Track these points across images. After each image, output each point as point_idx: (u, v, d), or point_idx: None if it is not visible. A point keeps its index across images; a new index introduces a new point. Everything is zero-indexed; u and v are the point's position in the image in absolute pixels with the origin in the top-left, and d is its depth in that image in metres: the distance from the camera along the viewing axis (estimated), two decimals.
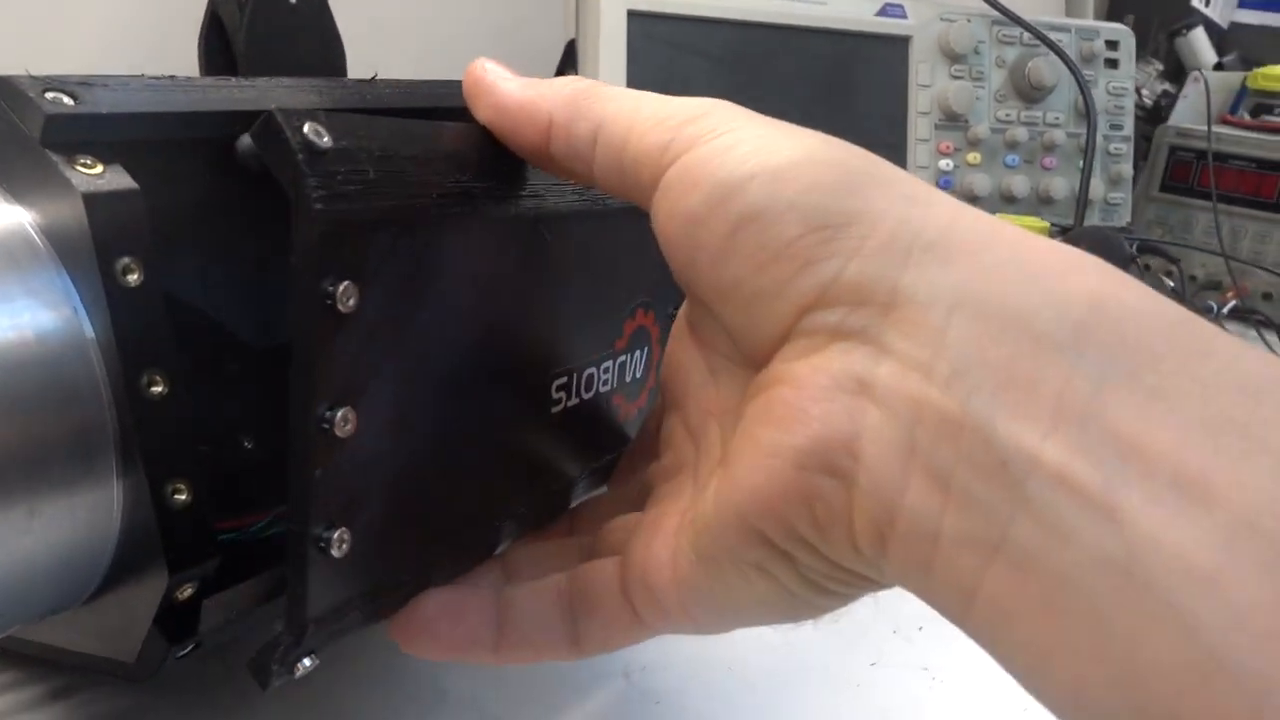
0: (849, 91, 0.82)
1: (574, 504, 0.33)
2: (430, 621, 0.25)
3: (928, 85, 0.82)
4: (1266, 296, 0.93)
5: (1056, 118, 0.85)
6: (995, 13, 0.82)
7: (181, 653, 0.27)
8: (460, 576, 0.27)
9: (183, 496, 0.26)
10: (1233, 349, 0.17)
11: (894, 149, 0.83)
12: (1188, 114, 1.05)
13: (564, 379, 0.30)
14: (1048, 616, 0.17)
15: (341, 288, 0.20)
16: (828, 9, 0.79)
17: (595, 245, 0.31)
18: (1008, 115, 0.84)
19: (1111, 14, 1.13)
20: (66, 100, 0.25)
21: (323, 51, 0.62)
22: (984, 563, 0.17)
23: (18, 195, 0.26)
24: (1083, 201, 0.80)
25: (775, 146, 0.21)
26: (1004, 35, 0.83)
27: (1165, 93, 1.17)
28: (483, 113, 0.26)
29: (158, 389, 0.26)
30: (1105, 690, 0.16)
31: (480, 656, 0.26)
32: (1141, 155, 0.99)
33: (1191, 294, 0.84)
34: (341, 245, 0.20)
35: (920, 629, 0.42)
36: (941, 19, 0.82)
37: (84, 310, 0.25)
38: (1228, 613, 0.15)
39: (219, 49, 0.59)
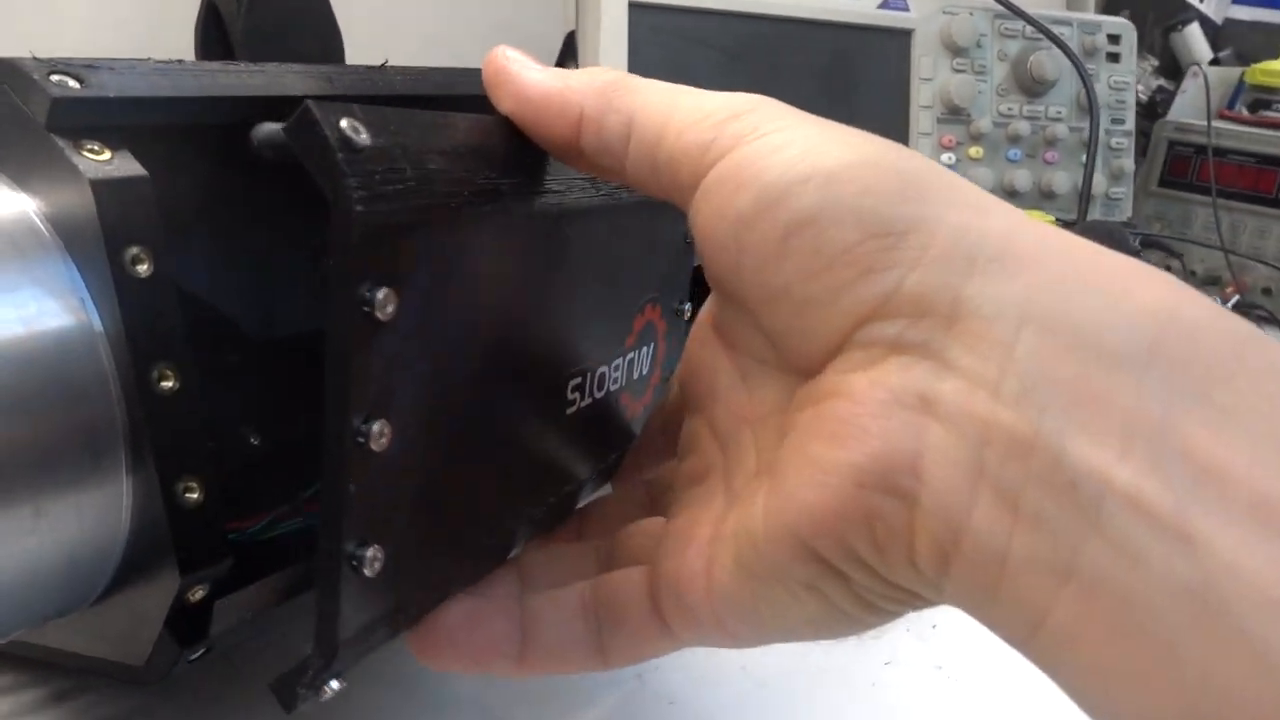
0: (851, 84, 0.81)
1: (580, 504, 0.33)
2: (452, 633, 0.24)
3: (930, 79, 0.81)
4: (1266, 291, 0.93)
5: (1058, 112, 0.84)
6: (998, 6, 0.81)
7: (193, 656, 0.27)
8: (476, 583, 0.27)
9: (194, 495, 0.25)
10: None
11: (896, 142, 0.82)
12: (1186, 109, 1.05)
13: (579, 379, 0.29)
14: (1118, 643, 0.16)
15: (381, 294, 0.18)
16: (830, 1, 0.78)
17: (610, 240, 0.30)
18: (1010, 109, 0.83)
19: (1108, 9, 1.13)
20: (72, 83, 0.24)
21: (321, 41, 0.61)
22: (1054, 586, 0.17)
23: (21, 182, 0.25)
24: (1086, 196, 0.80)
25: (828, 148, 0.20)
26: (1006, 29, 0.83)
27: (1160, 88, 1.17)
28: (506, 103, 0.25)
29: (168, 383, 0.25)
30: None
31: (504, 668, 0.25)
32: (1139, 150, 0.99)
33: None
34: (381, 249, 0.19)
35: (934, 627, 0.42)
36: (944, 12, 0.81)
37: (92, 302, 0.24)
38: None
39: (216, 39, 0.58)
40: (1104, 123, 0.83)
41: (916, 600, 0.21)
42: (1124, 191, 0.88)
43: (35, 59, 0.24)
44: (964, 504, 0.18)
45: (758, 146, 0.20)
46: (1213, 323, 0.18)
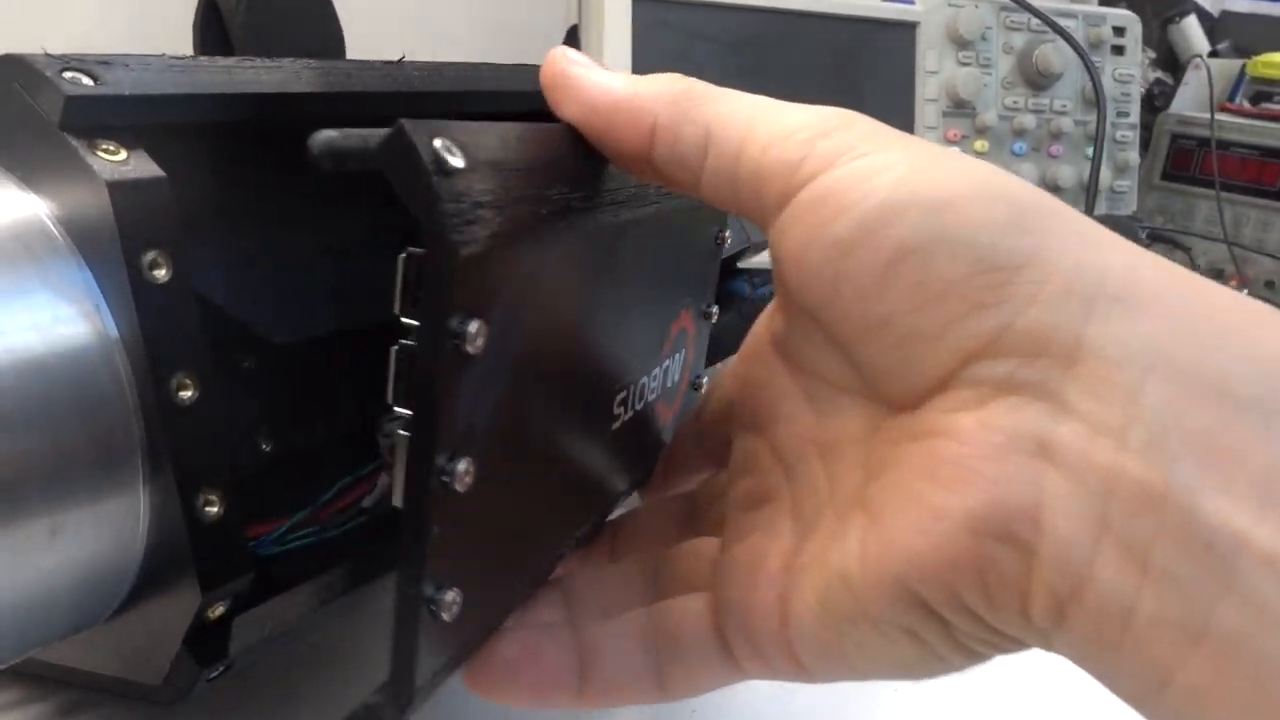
0: (856, 78, 0.80)
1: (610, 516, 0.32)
2: (511, 667, 0.23)
3: (935, 72, 0.81)
4: (1269, 284, 0.93)
5: (1064, 105, 0.84)
6: None
7: (212, 675, 0.26)
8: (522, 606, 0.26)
9: (215, 508, 0.24)
10: None
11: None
12: (1188, 102, 1.05)
13: (624, 393, 0.28)
14: (1254, 708, 0.16)
15: (472, 327, 0.17)
16: None
17: (654, 248, 0.29)
18: (1015, 102, 0.83)
19: (1107, 1, 1.12)
20: (86, 80, 0.23)
21: (321, 37, 0.59)
22: (1184, 646, 0.16)
23: (33, 184, 0.24)
24: (1093, 190, 0.79)
25: (934, 172, 0.19)
26: (1012, 21, 0.82)
27: (1159, 81, 1.17)
28: (571, 110, 0.23)
29: (187, 393, 0.24)
30: None
31: (563, 701, 0.24)
32: (1140, 144, 0.99)
33: None
34: (473, 280, 0.18)
35: None
36: (949, 4, 0.80)
37: (107, 308, 0.23)
38: None
39: (215, 35, 0.57)
40: (1109, 116, 0.82)
41: (1015, 645, 0.20)
42: (1129, 185, 0.87)
43: (47, 55, 0.23)
44: (1086, 557, 0.17)
45: (856, 167, 0.19)
46: None
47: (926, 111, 0.81)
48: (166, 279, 0.23)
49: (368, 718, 0.19)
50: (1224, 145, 0.95)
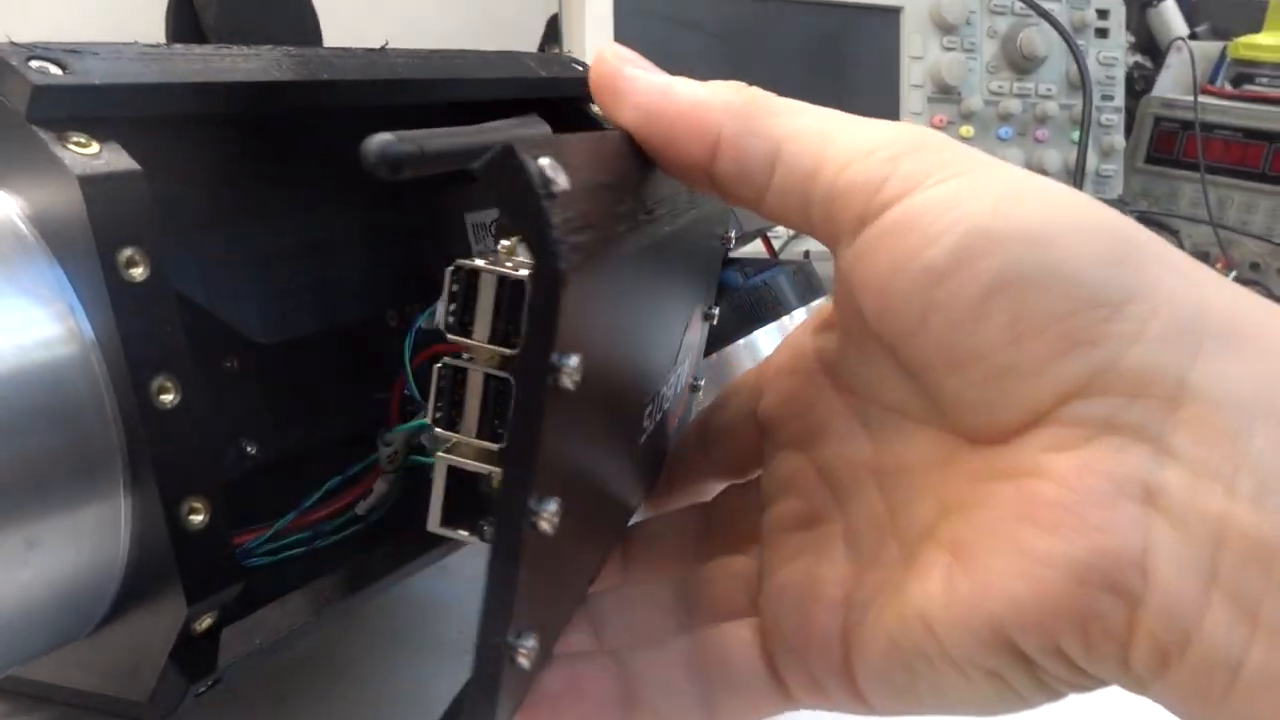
0: (841, 65, 0.79)
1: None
2: (554, 701, 0.22)
3: (920, 57, 0.80)
4: (1254, 266, 0.93)
5: (1049, 89, 0.83)
6: None
7: (200, 690, 0.25)
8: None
9: (199, 516, 0.23)
10: None
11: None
12: (1169, 85, 1.05)
13: (651, 404, 0.27)
14: None
15: (573, 361, 0.16)
16: None
17: (683, 256, 0.28)
18: (1000, 87, 0.82)
19: None
20: (54, 70, 0.22)
21: (297, 27, 0.58)
22: None
23: (0, 179, 0.23)
24: (1080, 174, 0.79)
25: (1032, 201, 0.18)
26: (996, 5, 0.81)
27: (1138, 65, 1.17)
28: (626, 115, 0.22)
29: (169, 397, 0.23)
30: None
31: None
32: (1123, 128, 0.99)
33: None
34: (575, 310, 0.17)
35: None
36: None
37: (83, 309, 0.22)
38: None
39: (187, 26, 0.56)
40: (1094, 99, 0.82)
41: (1102, 685, 0.19)
42: (1115, 169, 0.87)
43: (12, 44, 0.22)
44: (1194, 608, 0.17)
45: (946, 192, 0.18)
46: None
47: (912, 97, 0.81)
48: (144, 277, 0.22)
49: None
50: (1207, 128, 0.95)
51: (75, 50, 0.23)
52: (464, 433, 0.19)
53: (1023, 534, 0.18)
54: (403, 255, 0.39)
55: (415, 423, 0.29)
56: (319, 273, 0.35)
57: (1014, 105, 0.82)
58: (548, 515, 0.17)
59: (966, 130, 0.82)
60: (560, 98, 0.37)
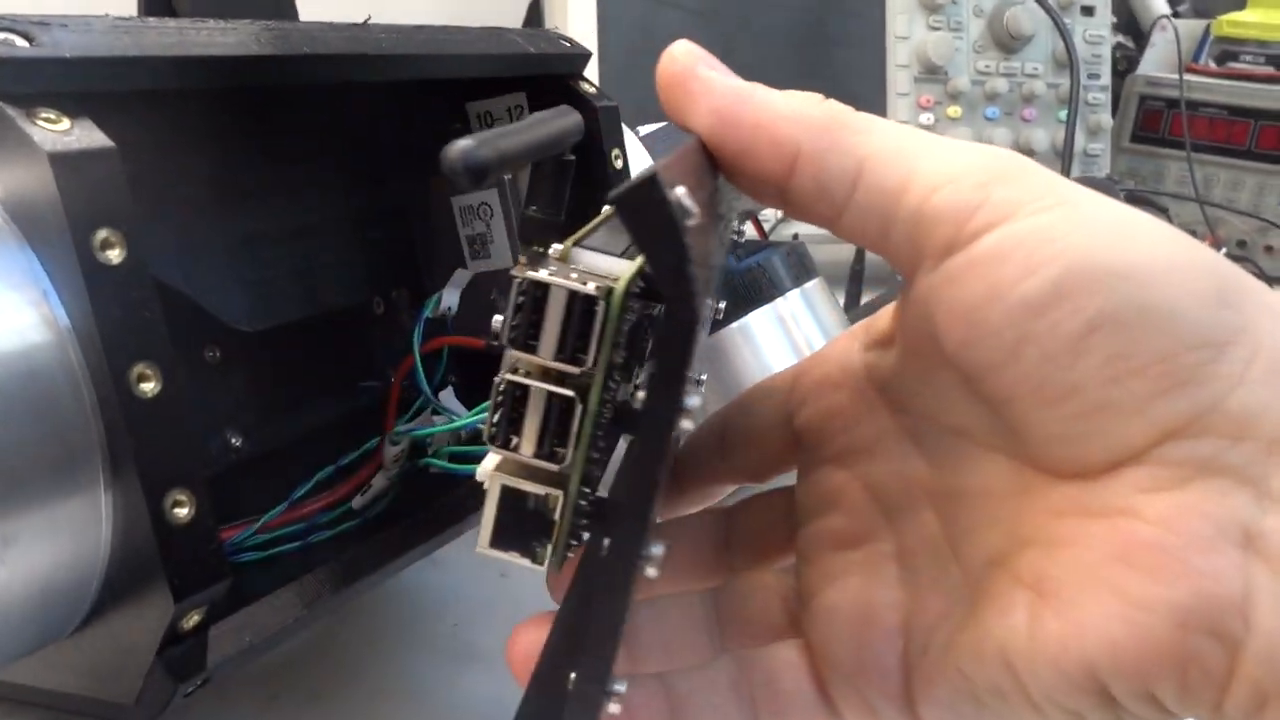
0: (826, 44, 0.79)
1: None
2: None
3: (906, 37, 0.79)
4: (1241, 244, 0.93)
5: (1035, 68, 0.83)
6: None
7: (189, 690, 0.24)
8: None
9: (184, 510, 0.22)
10: None
11: (873, 104, 0.80)
12: (1153, 63, 1.04)
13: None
14: None
15: (695, 400, 0.16)
16: None
17: (720, 261, 0.27)
18: (987, 66, 0.81)
19: None
20: (20, 42, 0.21)
21: (274, 3, 0.57)
22: None
23: None
24: (1069, 152, 0.78)
25: (1135, 237, 0.18)
26: None
27: (1120, 45, 1.17)
28: (699, 119, 0.21)
29: (149, 385, 0.22)
30: None
31: None
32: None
33: None
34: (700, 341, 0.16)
35: None
36: None
37: (56, 295, 0.21)
38: None
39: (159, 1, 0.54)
40: (1081, 78, 0.81)
41: None
42: (1102, 148, 0.87)
43: None
44: None
45: (1045, 222, 0.18)
46: None
47: (898, 78, 0.80)
48: (120, 260, 0.21)
49: None
50: (1192, 106, 0.95)
51: (43, 22, 0.22)
52: (521, 452, 0.18)
53: (1120, 576, 0.17)
54: (389, 239, 0.38)
55: (438, 427, 0.28)
56: (302, 257, 0.34)
57: (1001, 85, 0.82)
58: (657, 560, 0.16)
59: (954, 111, 0.81)
60: (549, 74, 0.36)
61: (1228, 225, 0.94)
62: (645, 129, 0.53)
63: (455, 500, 0.32)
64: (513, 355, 0.18)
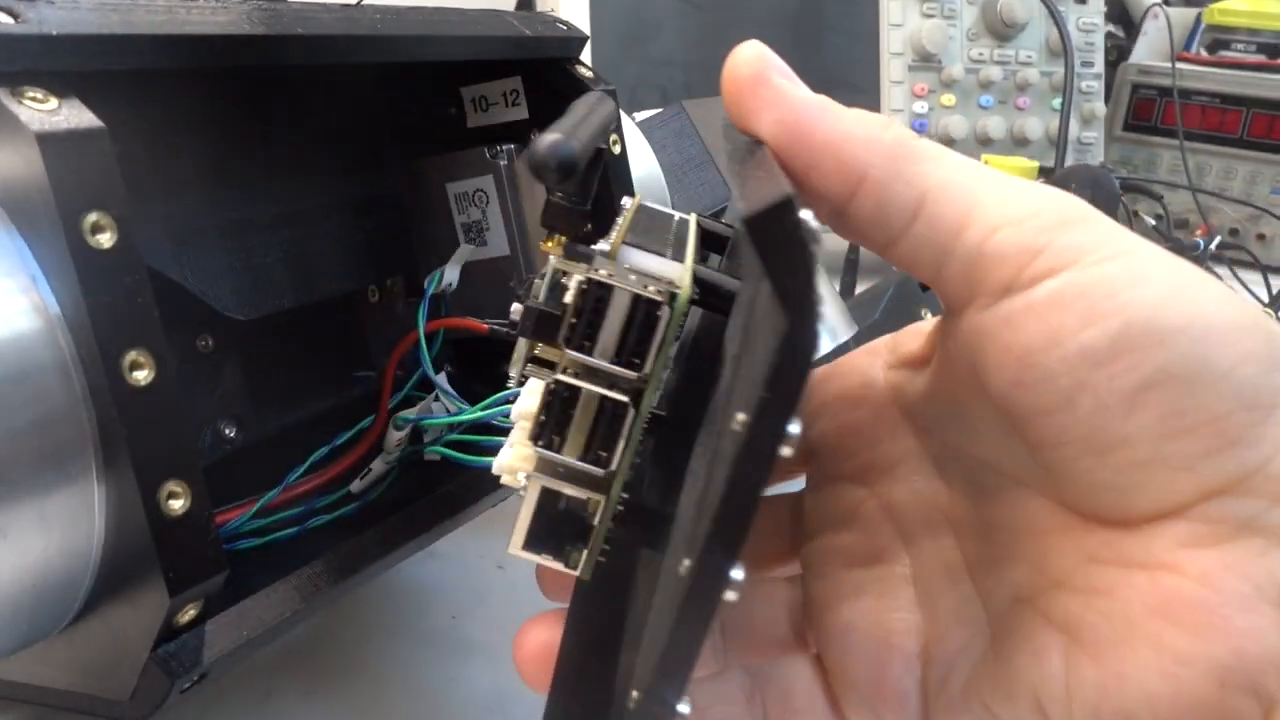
0: (820, 32, 0.78)
1: None
2: None
3: (900, 25, 0.79)
4: (1234, 232, 0.93)
5: (1029, 56, 0.83)
6: None
7: (185, 687, 0.23)
8: None
9: (180, 501, 0.22)
10: None
11: (868, 92, 0.80)
12: (1145, 52, 1.04)
13: None
14: None
15: (794, 429, 0.15)
16: None
17: None
18: (980, 54, 0.81)
19: None
20: (5, 19, 0.20)
21: None
22: None
23: None
24: (1063, 140, 0.78)
25: (1197, 294, 0.18)
26: None
27: (1110, 34, 1.17)
28: (766, 127, 0.20)
29: (142, 373, 0.21)
30: None
31: None
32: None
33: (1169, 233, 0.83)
34: None
35: None
36: None
37: (46, 281, 0.21)
38: None
39: None
40: (1075, 65, 0.81)
41: None
42: (1095, 136, 0.87)
43: None
44: None
45: (1110, 272, 0.18)
46: None
47: (892, 66, 0.80)
48: (111, 244, 0.20)
49: None
50: (1184, 94, 0.95)
51: None
52: (564, 454, 0.18)
53: (1160, 630, 0.18)
54: (383, 226, 0.38)
55: (447, 418, 0.27)
56: (295, 244, 0.33)
57: (995, 73, 0.81)
58: (739, 585, 0.15)
59: (948, 99, 0.81)
60: (546, 58, 0.36)
61: (1220, 214, 0.94)
62: (640, 115, 0.52)
63: (455, 490, 0.31)
64: (569, 356, 0.17)
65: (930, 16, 0.80)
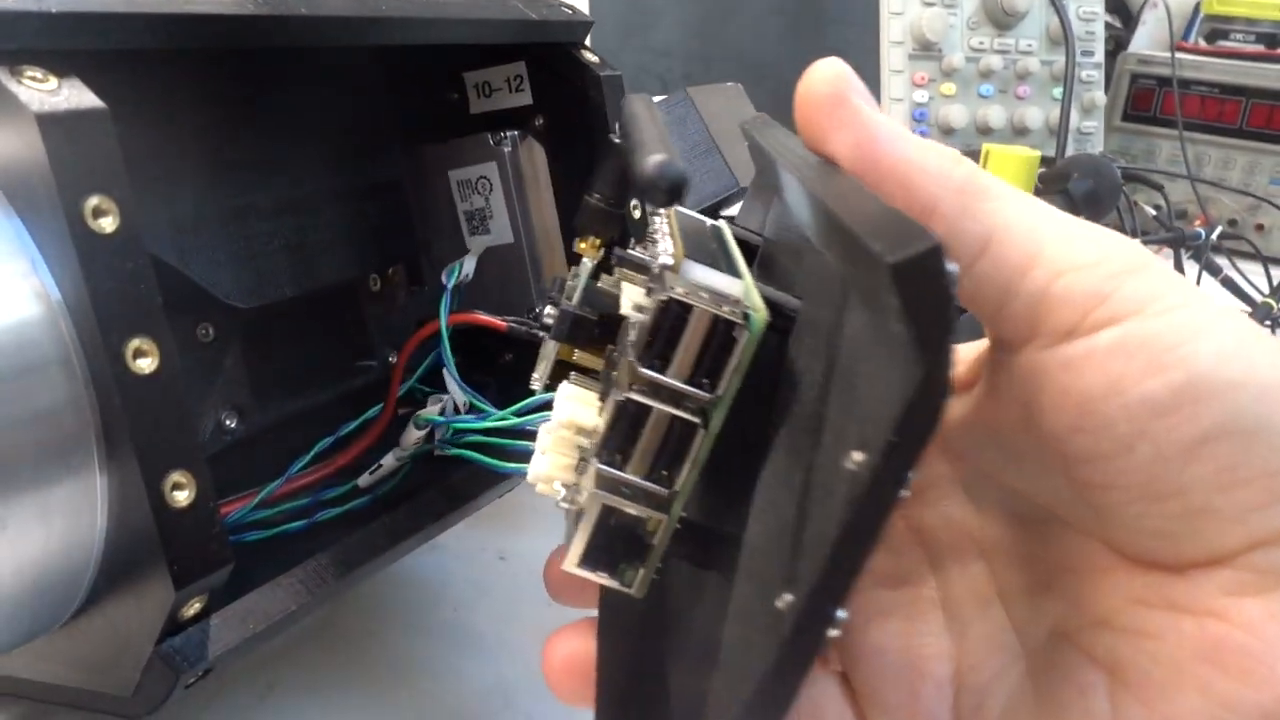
0: (819, 21, 0.78)
1: None
2: None
3: (900, 13, 0.78)
4: (1232, 223, 0.93)
5: (1029, 45, 0.82)
6: None
7: (190, 682, 0.23)
8: None
9: (185, 492, 0.21)
10: None
11: (868, 82, 0.79)
12: (1144, 42, 1.04)
13: None
14: None
15: (914, 475, 0.15)
16: None
17: None
18: (981, 43, 0.81)
19: None
20: None
21: None
22: None
23: None
24: (1064, 129, 0.78)
25: (1258, 349, 0.18)
26: None
27: (1108, 24, 1.16)
28: (837, 147, 0.20)
29: (146, 361, 0.21)
30: None
31: None
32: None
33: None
34: None
35: None
36: None
37: (46, 266, 0.20)
38: None
39: None
40: (1075, 55, 0.81)
41: None
42: (1095, 125, 0.86)
43: None
44: None
45: (1176, 323, 0.18)
46: None
47: (892, 55, 0.79)
48: (114, 228, 0.20)
49: None
50: (1184, 84, 0.95)
51: None
52: (630, 472, 0.18)
53: (1208, 675, 0.18)
54: (385, 214, 0.37)
55: (475, 422, 0.27)
56: (297, 232, 0.32)
57: (995, 62, 0.81)
58: (842, 623, 0.15)
59: (948, 88, 0.81)
60: (551, 43, 0.35)
61: (1218, 204, 0.94)
62: None
63: (461, 482, 0.31)
64: (642, 373, 0.17)
65: (930, 5, 0.79)
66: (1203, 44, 1.02)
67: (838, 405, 0.16)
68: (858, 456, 0.14)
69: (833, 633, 0.15)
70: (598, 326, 0.20)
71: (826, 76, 0.20)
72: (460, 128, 0.38)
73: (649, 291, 0.18)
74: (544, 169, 0.38)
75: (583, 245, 0.24)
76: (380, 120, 0.38)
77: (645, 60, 0.74)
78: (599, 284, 0.21)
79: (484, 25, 0.32)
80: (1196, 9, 1.04)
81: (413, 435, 0.29)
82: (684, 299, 0.17)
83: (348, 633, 0.36)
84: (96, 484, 0.21)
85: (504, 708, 0.34)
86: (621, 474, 0.18)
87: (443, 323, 0.28)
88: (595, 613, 0.25)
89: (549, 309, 0.18)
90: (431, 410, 0.29)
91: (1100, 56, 0.86)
